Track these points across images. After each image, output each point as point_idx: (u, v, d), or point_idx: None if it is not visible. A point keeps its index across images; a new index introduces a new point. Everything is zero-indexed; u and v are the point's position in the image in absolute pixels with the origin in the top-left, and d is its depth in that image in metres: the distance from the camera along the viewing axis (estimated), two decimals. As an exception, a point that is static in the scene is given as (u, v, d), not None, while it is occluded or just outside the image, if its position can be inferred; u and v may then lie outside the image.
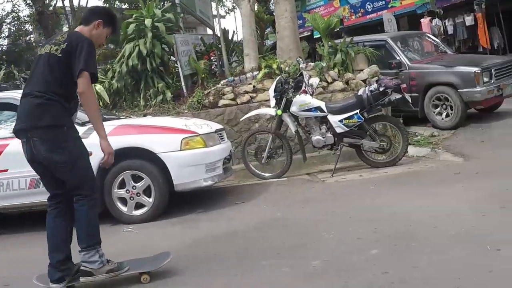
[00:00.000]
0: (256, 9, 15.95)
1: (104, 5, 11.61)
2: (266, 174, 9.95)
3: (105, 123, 7.71)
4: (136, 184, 7.80)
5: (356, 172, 9.64)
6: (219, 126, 9.04)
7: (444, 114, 12.47)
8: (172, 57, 13.33)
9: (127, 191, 7.84)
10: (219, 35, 15.43)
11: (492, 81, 12.30)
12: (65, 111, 5.21)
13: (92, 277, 5.18)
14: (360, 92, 9.65)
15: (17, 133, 5.26)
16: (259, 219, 7.27)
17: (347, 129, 9.46)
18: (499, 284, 4.40)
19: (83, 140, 5.41)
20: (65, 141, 5.15)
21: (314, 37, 27.59)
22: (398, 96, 9.48)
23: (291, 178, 9.68)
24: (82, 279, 5.20)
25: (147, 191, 7.81)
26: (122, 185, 7.86)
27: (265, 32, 22.06)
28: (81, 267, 5.18)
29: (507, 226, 5.72)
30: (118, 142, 7.55)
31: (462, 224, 5.94)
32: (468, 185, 7.58)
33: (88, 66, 5.01)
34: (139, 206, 7.88)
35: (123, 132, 7.97)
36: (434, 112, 12.60)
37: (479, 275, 4.59)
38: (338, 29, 27.65)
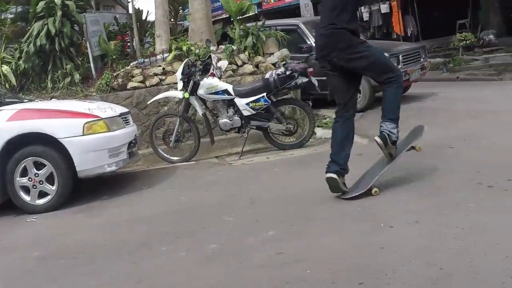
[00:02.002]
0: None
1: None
2: (175, 158, 9.88)
3: (6, 107, 7.62)
4: (39, 172, 7.60)
5: (264, 154, 9.68)
6: (124, 110, 8.87)
7: (354, 97, 12.59)
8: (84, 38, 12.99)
9: (30, 179, 7.63)
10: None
11: (400, 66, 12.52)
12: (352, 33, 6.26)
13: (385, 144, 6.47)
14: (267, 76, 9.67)
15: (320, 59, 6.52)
16: (163, 204, 7.25)
17: (254, 112, 9.50)
18: (388, 259, 4.51)
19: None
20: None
21: (231, 19, 27.60)
22: (305, 79, 9.58)
23: (200, 162, 9.64)
24: (377, 139, 6.51)
25: (50, 179, 7.62)
26: (24, 173, 7.64)
27: (183, 14, 21.93)
28: (382, 131, 6.45)
29: (401, 205, 5.89)
30: (19, 127, 7.46)
31: (358, 203, 6.10)
32: (368, 165, 7.66)
33: None
34: (43, 194, 7.67)
35: (25, 116, 7.75)
36: (343, 95, 12.70)
37: (371, 252, 4.71)
38: (256, 13, 27.78)
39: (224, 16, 30.45)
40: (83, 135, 7.66)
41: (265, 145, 10.14)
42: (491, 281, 3.95)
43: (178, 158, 9.86)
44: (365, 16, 25.15)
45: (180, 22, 22.06)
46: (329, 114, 12.34)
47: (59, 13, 11.86)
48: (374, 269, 4.37)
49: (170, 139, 9.84)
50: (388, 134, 6.43)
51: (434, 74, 17.24)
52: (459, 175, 6.69)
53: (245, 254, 5.04)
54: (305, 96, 11.46)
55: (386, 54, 11.86)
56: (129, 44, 15.02)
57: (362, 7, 25.13)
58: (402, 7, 23.65)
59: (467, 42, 20.62)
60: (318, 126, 10.77)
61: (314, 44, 12.96)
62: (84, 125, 7.67)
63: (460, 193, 6.03)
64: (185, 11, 22.74)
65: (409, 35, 24.15)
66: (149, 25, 16.18)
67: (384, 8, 24.21)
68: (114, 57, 12.52)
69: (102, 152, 7.76)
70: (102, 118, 7.87)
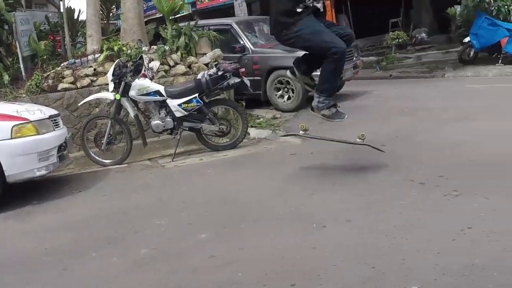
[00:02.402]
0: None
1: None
2: (107, 161, 9.74)
3: None
4: (-34, 177, 7.40)
5: (197, 156, 9.64)
6: (54, 112, 8.66)
7: (286, 97, 12.82)
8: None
9: (-43, 184, 7.43)
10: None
11: (333, 65, 12.64)
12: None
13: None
14: (199, 76, 9.62)
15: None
16: (95, 209, 7.15)
17: (186, 113, 9.43)
18: (320, 259, 4.59)
19: None
20: None
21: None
22: (237, 80, 9.56)
23: (132, 164, 9.55)
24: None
25: (-22, 184, 7.43)
26: (-48, 178, 7.44)
27: (116, 13, 21.71)
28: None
29: (334, 204, 5.99)
30: None
31: (291, 204, 6.17)
32: (301, 165, 7.83)
33: None
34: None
35: (-49, 120, 7.54)
36: (276, 95, 12.92)
37: (303, 252, 4.78)
38: (191, 12, 27.66)
39: (158, 15, 30.25)
40: (11, 138, 7.47)
41: (199, 147, 10.09)
42: (423, 279, 4.03)
43: (110, 161, 9.72)
44: (299, 15, 25.31)
45: (113, 22, 21.83)
46: (262, 114, 12.46)
47: (-14, 11, 11.57)
48: (307, 270, 4.43)
49: (102, 141, 9.71)
50: (316, 106, 7.00)
51: (367, 72, 17.45)
52: (392, 173, 6.87)
53: (177, 258, 5.04)
54: (238, 96, 11.49)
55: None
56: (60, 44, 14.78)
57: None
58: (336, 6, 23.83)
59: (400, 40, 21.04)
60: (252, 127, 10.82)
61: (246, 44, 13.07)
62: (12, 128, 7.48)
63: (392, 191, 6.19)
64: (118, 11, 22.53)
65: (342, 34, 24.43)
66: (81, 25, 15.96)
67: (318, 7, 24.40)
68: (45, 57, 12.28)
69: (31, 156, 7.58)
70: (31, 121, 7.69)
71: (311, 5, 6.87)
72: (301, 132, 7.09)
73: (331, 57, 6.62)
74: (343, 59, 6.84)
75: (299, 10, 6.80)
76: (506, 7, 16.79)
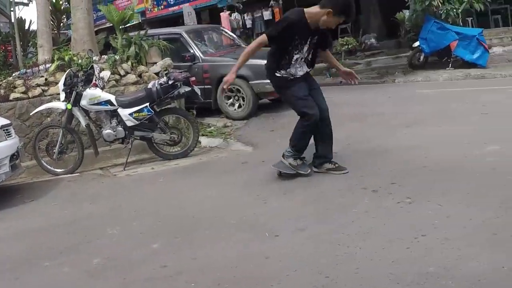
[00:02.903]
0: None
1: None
2: (59, 170, 9.76)
3: None
4: None
5: (149, 165, 9.69)
6: (6, 122, 8.68)
7: (237, 105, 12.88)
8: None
9: None
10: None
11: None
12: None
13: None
14: (149, 86, 9.70)
15: None
16: (47, 218, 7.16)
17: (137, 122, 9.49)
18: (273, 269, 4.61)
19: None
20: None
21: (115, 29, 27.45)
22: (187, 88, 9.66)
23: (84, 174, 9.55)
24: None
25: None
26: None
27: (66, 23, 21.66)
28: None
29: (286, 212, 6.02)
30: None
31: (243, 213, 6.17)
32: (253, 174, 7.85)
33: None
34: None
35: None
36: (227, 104, 12.95)
37: (256, 262, 4.80)
38: (140, 21, 27.68)
39: (108, 25, 30.18)
40: (-37, 148, 7.48)
41: (150, 156, 10.15)
42: (378, 288, 4.06)
43: (62, 170, 9.75)
44: (248, 23, 25.47)
45: (64, 32, 21.78)
46: (213, 122, 12.50)
47: None
48: (260, 279, 4.46)
49: (54, 151, 9.73)
50: (285, 153, 7.26)
51: (317, 79, 17.18)
52: (344, 180, 6.88)
53: (129, 268, 5.06)
54: (189, 105, 11.57)
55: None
56: (12, 54, 14.75)
57: (245, 14, 25.44)
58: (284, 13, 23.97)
59: (349, 46, 21.20)
60: (203, 135, 10.90)
61: (196, 53, 13.15)
62: (-37, 138, 7.50)
63: (345, 199, 6.21)
64: (69, 21, 22.46)
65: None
66: (32, 35, 15.92)
67: (267, 15, 24.63)
68: (-5, 67, 12.24)
69: (-18, 165, 7.58)
70: (-18, 131, 7.72)
71: (291, 77, 7.14)
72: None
73: (302, 122, 7.07)
74: (312, 129, 7.15)
75: (278, 75, 7.19)
76: (454, 10, 16.98)
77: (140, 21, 29.38)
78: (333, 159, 7.37)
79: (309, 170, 7.27)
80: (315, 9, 6.83)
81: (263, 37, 7.01)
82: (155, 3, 30.87)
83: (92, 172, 9.65)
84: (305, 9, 6.90)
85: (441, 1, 16.95)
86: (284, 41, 6.94)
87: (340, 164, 7.26)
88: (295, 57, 7.01)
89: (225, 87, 7.30)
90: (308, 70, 7.25)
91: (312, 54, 7.17)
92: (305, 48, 7.03)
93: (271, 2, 24.07)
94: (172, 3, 29.70)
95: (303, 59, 7.09)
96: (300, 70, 7.12)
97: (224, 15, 24.23)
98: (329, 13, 6.65)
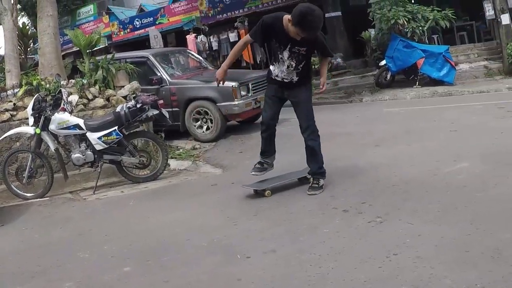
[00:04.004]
0: (21, 24, 15.57)
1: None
2: (28, 194, 9.73)
3: None
4: None
5: (118, 188, 9.70)
6: (-25, 147, 8.70)
7: (205, 127, 12.99)
8: None
9: None
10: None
11: (250, 95, 12.95)
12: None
13: None
14: (118, 109, 9.76)
15: None
16: (17, 242, 7.12)
17: (106, 146, 9.53)
18: None
19: None
20: None
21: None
22: (155, 111, 9.73)
23: (54, 198, 9.53)
24: None
25: None
26: None
27: (33, 47, 21.60)
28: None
29: (257, 234, 6.06)
30: None
31: (214, 235, 6.19)
32: (223, 196, 7.90)
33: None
34: None
35: None
36: (195, 126, 13.06)
37: (228, 284, 4.85)
38: (107, 45, 27.75)
39: (74, 49, 30.20)
40: None
41: (119, 179, 10.17)
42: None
43: (32, 194, 9.72)
44: (214, 45, 25.65)
45: (31, 56, 21.72)
46: (182, 145, 12.55)
47: None
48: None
49: (23, 175, 9.71)
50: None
51: None
52: (314, 201, 6.93)
53: (101, 291, 5.07)
54: (157, 128, 11.63)
55: (234, 84, 12.25)
56: (-22, 79, 14.69)
57: (211, 36, 25.60)
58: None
59: (316, 66, 21.31)
60: (172, 158, 10.96)
61: (164, 76, 13.22)
62: None
63: (315, 219, 6.24)
64: (35, 45, 22.40)
65: (258, 62, 24.71)
66: None
67: (233, 36, 24.85)
68: (-35, 92, 12.18)
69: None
70: (-49, 157, 7.72)
71: (272, 75, 7.44)
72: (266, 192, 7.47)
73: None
74: (263, 134, 7.66)
75: (271, 76, 7.45)
76: (420, 28, 17.24)
77: (107, 44, 29.49)
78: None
79: (253, 172, 7.66)
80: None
81: (247, 36, 7.38)
82: (121, 27, 31.04)
83: (62, 196, 9.63)
84: (285, 15, 6.93)
85: (407, 19, 17.13)
86: (265, 41, 7.32)
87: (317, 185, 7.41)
88: (279, 56, 7.19)
89: (219, 83, 7.63)
90: (295, 79, 7.30)
91: (302, 63, 7.21)
92: (286, 54, 7.12)
93: (236, 24, 24.22)
94: (138, 26, 29.92)
95: (287, 66, 7.21)
96: (280, 72, 7.28)
97: (190, 37, 24.41)
98: (290, 21, 6.77)
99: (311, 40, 6.99)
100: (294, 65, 7.17)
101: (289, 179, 7.78)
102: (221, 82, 7.59)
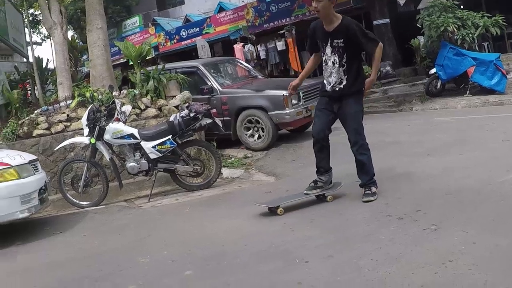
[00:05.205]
0: (69, 37, 15.88)
1: None
2: (84, 203, 9.94)
3: None
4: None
5: (173, 196, 9.82)
6: (33, 157, 8.89)
7: (256, 136, 13.01)
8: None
9: None
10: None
11: (301, 103, 12.96)
12: None
13: None
14: (171, 118, 9.91)
15: None
16: (77, 249, 7.27)
17: (160, 154, 9.68)
18: None
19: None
20: None
21: (130, 63, 27.73)
22: (209, 120, 9.87)
23: (109, 206, 9.72)
24: None
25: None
26: None
27: (80, 60, 21.97)
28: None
29: (314, 240, 6.07)
30: None
31: (271, 241, 6.23)
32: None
33: None
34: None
35: None
36: (246, 135, 13.08)
37: (289, 287, 4.89)
38: (154, 55, 28.04)
39: (121, 60, 30.68)
40: (-5, 182, 7.69)
41: (173, 187, 10.32)
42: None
43: (87, 202, 9.92)
44: (262, 54, 25.67)
45: (79, 69, 22.11)
46: (233, 153, 12.59)
47: (-40, 64, 11.70)
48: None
49: (79, 184, 9.91)
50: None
51: None
52: (368, 208, 6.92)
53: (165, 294, 5.16)
54: (209, 137, 11.73)
55: (284, 92, 12.28)
56: (30, 92, 14.99)
57: (259, 45, 25.64)
58: (298, 43, 24.17)
59: (365, 74, 21.00)
60: (224, 166, 11.02)
61: (214, 85, 13.30)
62: (-5, 173, 7.70)
63: (371, 226, 6.24)
64: (83, 57, 22.81)
65: (306, 71, 24.64)
66: (49, 73, 16.21)
67: (280, 45, 24.83)
68: (17, 105, 12.47)
69: (14, 199, 7.81)
70: (13, 166, 7.94)
71: (322, 87, 7.57)
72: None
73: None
74: (315, 147, 7.64)
75: (324, 88, 7.56)
76: (470, 35, 16.82)
77: (154, 55, 29.75)
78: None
79: (305, 191, 7.65)
80: None
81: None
82: (167, 37, 31.28)
83: (117, 204, 9.82)
84: None
85: (456, 26, 16.83)
86: (315, 49, 7.57)
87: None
88: (324, 58, 7.39)
89: (291, 93, 8.13)
90: (344, 81, 7.37)
91: (344, 57, 7.26)
92: (328, 50, 7.28)
93: (284, 32, 24.24)
94: (184, 37, 30.12)
95: (333, 63, 7.32)
96: (329, 75, 7.41)
97: (237, 47, 24.50)
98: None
99: (343, 29, 7.15)
100: (338, 60, 7.25)
101: (304, 197, 7.65)
102: (293, 92, 7.98)
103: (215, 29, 28.38)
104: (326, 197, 7.56)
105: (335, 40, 7.18)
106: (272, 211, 7.33)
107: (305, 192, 7.58)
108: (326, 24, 7.21)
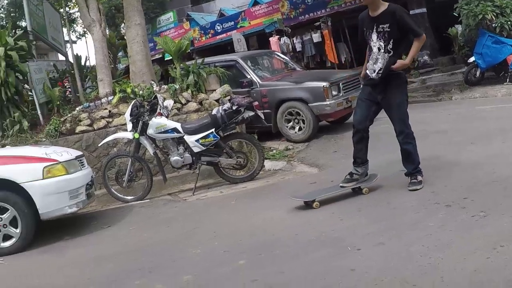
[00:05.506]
0: (107, 34, 16.00)
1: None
2: (129, 197, 10.04)
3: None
4: (2, 216, 7.66)
5: (217, 189, 9.87)
6: (79, 153, 9.02)
7: (297, 128, 13.03)
8: (26, 85, 12.97)
9: (-7, 223, 7.70)
10: (72, 61, 15.37)
11: (341, 94, 12.95)
12: None
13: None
14: (214, 112, 9.93)
15: None
16: (126, 242, 7.36)
17: (204, 148, 9.72)
18: (361, 280, 4.73)
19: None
20: None
21: (166, 59, 27.87)
22: (251, 113, 9.87)
23: (154, 200, 9.79)
24: None
25: (13, 222, 7.69)
26: (-13, 218, 7.72)
27: (117, 57, 22.14)
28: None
29: (363, 228, 6.10)
30: (-21, 174, 7.55)
31: (321, 230, 6.27)
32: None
33: None
34: (7, 237, 7.71)
35: (-16, 164, 7.87)
36: (287, 127, 13.13)
37: (342, 274, 4.91)
38: (189, 51, 28.16)
39: (157, 56, 30.79)
40: (43, 178, 7.78)
41: (216, 180, 10.37)
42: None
43: (132, 197, 10.02)
44: (298, 47, 25.59)
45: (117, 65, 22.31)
46: (275, 146, 12.62)
47: (3, 63, 11.75)
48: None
49: (123, 179, 10.00)
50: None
51: None
52: (415, 197, 6.93)
53: (220, 283, 5.25)
54: (250, 130, 11.76)
55: (325, 84, 12.28)
56: (69, 89, 15.14)
57: (294, 38, 25.57)
58: (334, 35, 24.09)
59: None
60: (266, 158, 11.01)
61: (254, 78, 13.31)
62: (43, 169, 7.80)
63: (419, 213, 6.26)
64: (119, 54, 22.94)
65: (342, 62, 24.56)
66: (88, 70, 16.36)
67: (316, 37, 24.69)
68: (59, 103, 12.59)
69: (62, 194, 7.89)
70: (60, 162, 8.02)
71: (373, 76, 7.42)
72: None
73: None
74: (354, 138, 7.69)
75: (367, 77, 7.54)
76: (509, 23, 16.60)
77: (189, 50, 29.87)
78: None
79: (341, 184, 7.64)
80: None
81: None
82: (202, 32, 31.34)
83: (162, 198, 9.89)
84: None
85: (495, 14, 16.61)
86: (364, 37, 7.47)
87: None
88: (370, 44, 7.37)
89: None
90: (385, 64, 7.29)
91: (390, 43, 7.18)
92: (374, 37, 7.25)
93: (319, 24, 24.13)
94: (219, 31, 30.14)
95: (378, 49, 7.26)
96: (374, 62, 7.34)
97: (273, 39, 24.43)
98: None
99: (389, 14, 7.12)
100: (383, 45, 7.19)
101: (340, 190, 7.62)
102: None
103: (249, 23, 28.35)
104: (362, 190, 7.53)
105: (380, 25, 7.15)
106: (308, 205, 7.33)
107: (341, 185, 7.58)
108: (372, 11, 7.23)
